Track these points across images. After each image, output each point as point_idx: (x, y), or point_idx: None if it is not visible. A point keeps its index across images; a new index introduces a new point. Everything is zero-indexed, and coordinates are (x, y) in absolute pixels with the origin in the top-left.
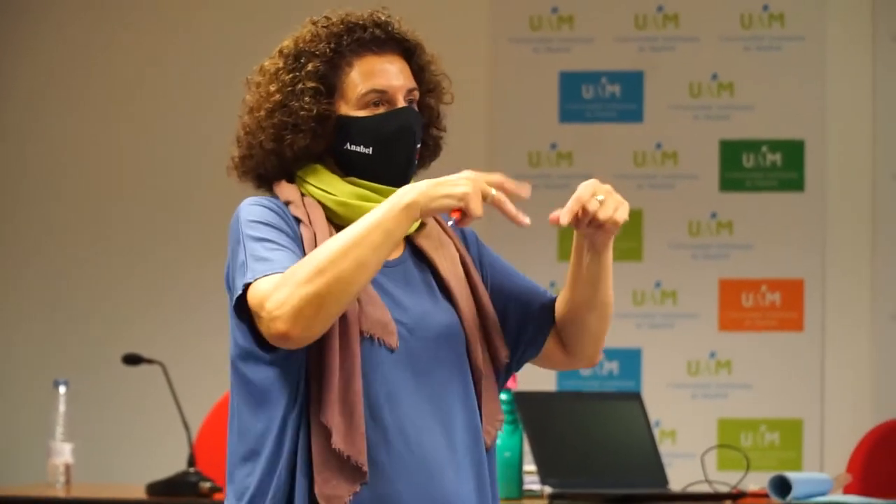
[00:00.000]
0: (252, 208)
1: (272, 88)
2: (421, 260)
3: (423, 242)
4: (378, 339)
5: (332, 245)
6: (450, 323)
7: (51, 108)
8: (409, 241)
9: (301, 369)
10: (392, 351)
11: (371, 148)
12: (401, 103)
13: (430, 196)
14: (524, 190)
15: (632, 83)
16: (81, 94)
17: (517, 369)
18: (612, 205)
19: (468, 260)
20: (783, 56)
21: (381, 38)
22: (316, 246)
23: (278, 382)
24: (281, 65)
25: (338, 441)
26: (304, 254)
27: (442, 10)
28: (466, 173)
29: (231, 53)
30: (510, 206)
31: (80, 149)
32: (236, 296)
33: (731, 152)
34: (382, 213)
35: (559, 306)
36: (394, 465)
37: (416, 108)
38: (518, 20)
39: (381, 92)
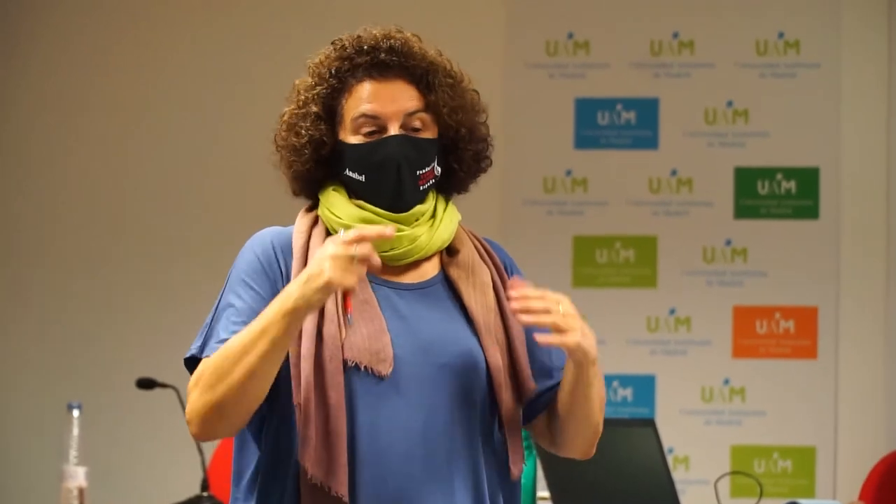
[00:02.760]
0: (245, 255)
1: (287, 109)
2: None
3: (453, 271)
4: (365, 367)
5: (230, 351)
6: (468, 350)
7: (65, 130)
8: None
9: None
10: (382, 378)
11: (363, 175)
12: (393, 130)
13: (305, 298)
14: (387, 230)
15: (647, 110)
16: (100, 119)
17: None
18: (572, 325)
19: (503, 288)
20: (798, 83)
21: (385, 61)
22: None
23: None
24: (301, 86)
25: (316, 474)
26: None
27: (458, 35)
28: (325, 250)
29: (239, 58)
30: (375, 255)
31: (93, 171)
32: (185, 356)
33: (746, 179)
34: (267, 321)
35: (556, 398)
36: (370, 496)
37: (411, 136)
38: (534, 45)
39: (372, 118)
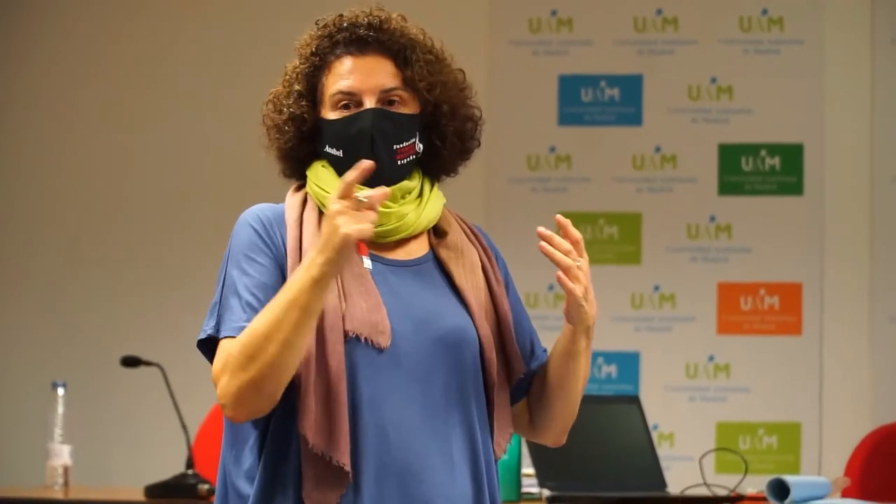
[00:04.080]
0: (242, 231)
1: (274, 89)
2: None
3: (442, 252)
4: (366, 338)
5: (259, 327)
6: (461, 326)
7: (50, 110)
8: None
9: None
10: (381, 351)
11: (341, 150)
12: (368, 104)
13: (330, 261)
14: (366, 162)
15: (631, 86)
16: (80, 96)
17: None
18: (582, 280)
19: (492, 270)
20: (782, 60)
21: (364, 38)
22: (300, 251)
23: None
24: (289, 66)
25: (317, 443)
26: (285, 263)
27: (441, 13)
28: (330, 211)
29: (234, 54)
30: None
31: (78, 151)
32: (199, 338)
33: (730, 156)
34: (296, 290)
35: (538, 381)
36: (373, 466)
37: (386, 109)
38: (517, 23)
39: (348, 94)
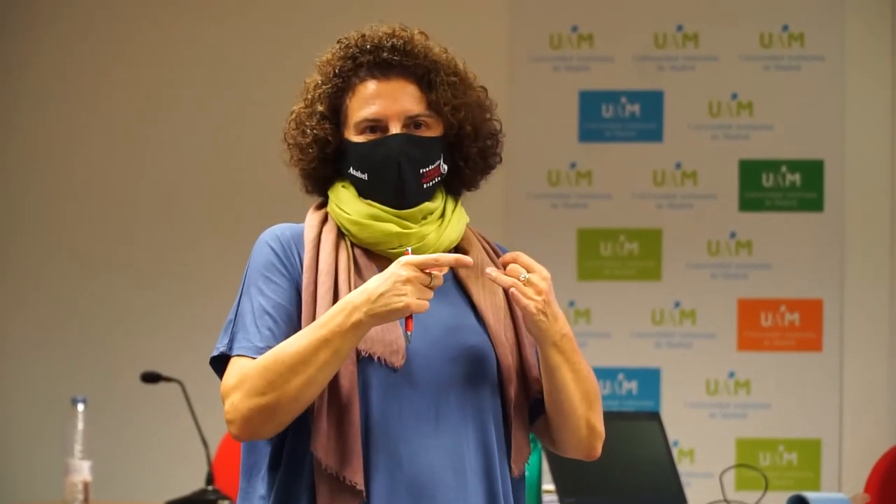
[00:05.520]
0: (260, 250)
1: (295, 108)
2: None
3: (462, 271)
4: (379, 357)
5: (286, 357)
6: (478, 344)
7: (68, 124)
8: None
9: None
10: (395, 370)
11: (366, 174)
12: (394, 129)
13: (378, 316)
14: (466, 259)
15: (651, 102)
16: (101, 113)
17: None
18: (530, 295)
19: None
20: (803, 76)
21: (388, 60)
22: (316, 272)
23: None
24: (310, 84)
25: (330, 463)
26: (301, 283)
27: (462, 28)
28: (401, 272)
29: (245, 58)
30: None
31: (97, 164)
32: (213, 355)
33: (751, 172)
34: (329, 331)
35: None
36: (385, 485)
37: (412, 134)
38: (538, 38)
39: (374, 121)
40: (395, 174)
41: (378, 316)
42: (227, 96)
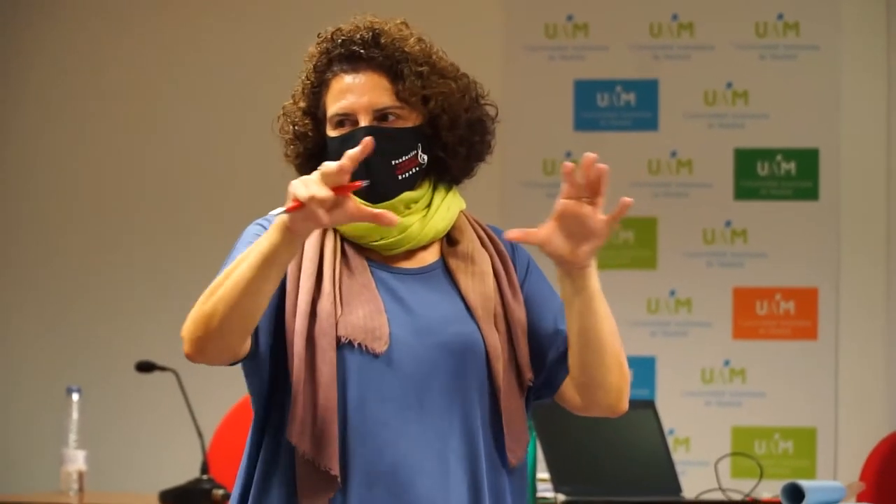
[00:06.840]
0: (250, 229)
1: (286, 103)
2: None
3: (451, 261)
4: (359, 344)
5: (224, 274)
6: (465, 333)
7: (62, 114)
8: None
9: (264, 383)
10: (377, 356)
11: None
12: (363, 123)
13: (286, 215)
14: (365, 146)
15: (647, 91)
16: (92, 101)
17: (534, 399)
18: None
19: (506, 278)
20: (798, 65)
21: (357, 53)
22: (300, 259)
23: (253, 393)
24: (298, 79)
25: (306, 449)
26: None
27: (457, 18)
28: (309, 178)
29: (242, 57)
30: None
31: (91, 156)
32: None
33: (746, 161)
34: (262, 236)
35: (571, 355)
36: (362, 471)
37: (381, 126)
38: (533, 28)
39: (344, 115)
40: (362, 167)
41: (287, 215)
42: (225, 95)
